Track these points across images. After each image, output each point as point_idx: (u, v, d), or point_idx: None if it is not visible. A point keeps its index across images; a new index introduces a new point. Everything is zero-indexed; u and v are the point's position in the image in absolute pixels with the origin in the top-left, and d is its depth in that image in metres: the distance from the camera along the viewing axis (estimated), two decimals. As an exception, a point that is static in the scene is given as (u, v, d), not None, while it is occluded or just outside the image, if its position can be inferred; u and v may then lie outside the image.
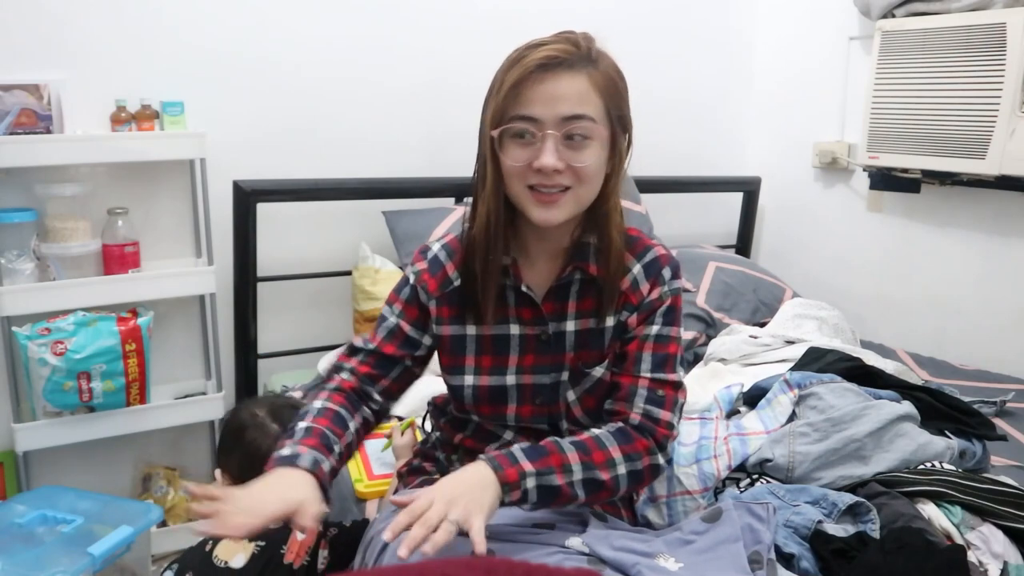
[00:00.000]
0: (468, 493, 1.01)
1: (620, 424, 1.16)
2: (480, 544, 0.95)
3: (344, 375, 1.22)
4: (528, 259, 1.21)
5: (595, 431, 1.15)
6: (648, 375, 1.17)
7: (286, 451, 1.06)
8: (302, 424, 1.12)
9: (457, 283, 1.20)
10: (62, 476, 2.10)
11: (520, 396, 1.21)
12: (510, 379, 1.20)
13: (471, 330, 1.20)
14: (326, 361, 2.19)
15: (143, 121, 2.02)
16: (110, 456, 2.18)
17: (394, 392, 1.25)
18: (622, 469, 1.11)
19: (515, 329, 1.20)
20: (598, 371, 1.20)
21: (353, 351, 1.25)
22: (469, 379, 1.21)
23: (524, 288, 1.18)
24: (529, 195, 1.11)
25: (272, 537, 1.34)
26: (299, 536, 1.33)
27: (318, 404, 1.16)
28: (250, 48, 2.20)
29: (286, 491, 1.00)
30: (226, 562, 1.31)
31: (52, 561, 1.60)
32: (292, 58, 2.26)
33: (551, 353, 1.20)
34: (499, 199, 1.13)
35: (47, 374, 1.88)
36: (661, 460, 1.16)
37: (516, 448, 1.09)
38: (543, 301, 1.20)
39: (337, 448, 1.11)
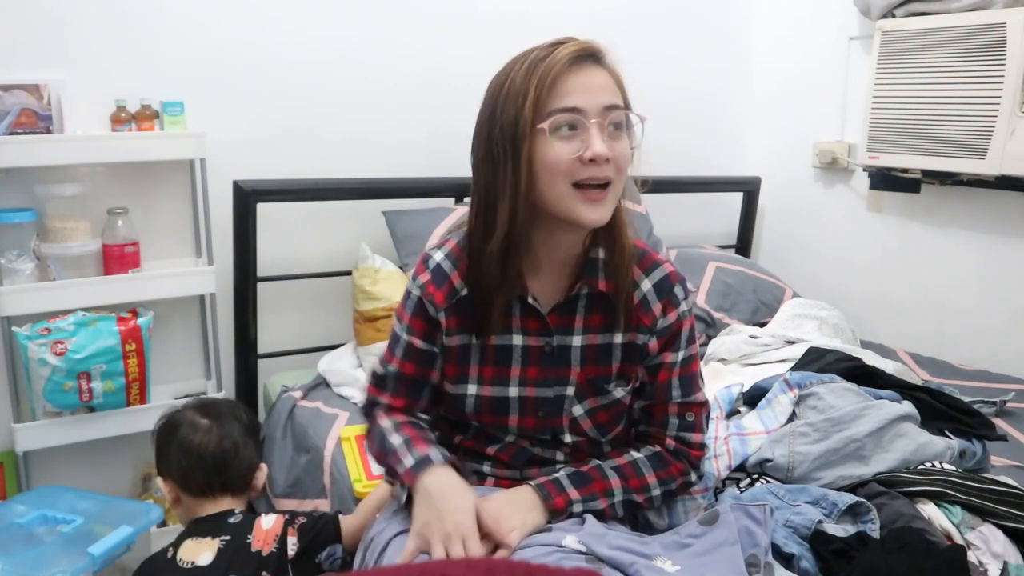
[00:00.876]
0: (515, 513, 1.09)
1: (657, 449, 1.24)
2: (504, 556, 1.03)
3: (383, 409, 1.25)
4: (536, 271, 1.19)
5: (634, 455, 1.22)
6: (678, 401, 1.23)
7: (409, 460, 1.12)
8: (396, 439, 1.16)
9: (463, 292, 1.18)
10: (62, 476, 2.10)
11: (522, 408, 1.20)
12: (512, 391, 1.19)
13: (475, 339, 1.20)
14: (326, 362, 2.19)
15: (143, 121, 2.02)
16: (110, 456, 2.18)
17: (431, 409, 1.28)
18: (656, 492, 1.21)
19: (518, 340, 1.19)
20: (619, 392, 1.21)
21: (379, 382, 1.26)
22: (472, 388, 1.20)
23: (531, 300, 1.17)
24: (576, 194, 1.07)
25: (236, 529, 1.33)
26: (264, 525, 1.33)
27: (388, 423, 1.21)
28: (250, 48, 2.20)
29: (462, 500, 1.07)
30: (192, 562, 1.30)
31: (52, 561, 1.60)
32: (292, 58, 2.26)
33: (555, 366, 1.19)
34: (529, 203, 1.09)
35: (47, 374, 1.88)
36: (694, 477, 1.26)
37: (562, 475, 1.17)
38: (549, 314, 1.19)
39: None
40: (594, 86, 1.08)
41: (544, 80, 1.06)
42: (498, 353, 1.19)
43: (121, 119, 1.99)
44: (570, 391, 1.20)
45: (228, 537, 1.32)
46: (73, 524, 1.73)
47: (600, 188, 1.08)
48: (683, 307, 1.21)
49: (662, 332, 1.20)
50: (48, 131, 1.91)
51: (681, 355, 1.22)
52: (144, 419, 2.07)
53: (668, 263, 1.23)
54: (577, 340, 1.19)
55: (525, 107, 1.06)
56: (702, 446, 1.25)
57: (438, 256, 1.21)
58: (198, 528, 1.38)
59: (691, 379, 1.23)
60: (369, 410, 1.28)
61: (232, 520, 1.37)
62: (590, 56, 1.09)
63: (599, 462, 1.20)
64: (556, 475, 1.17)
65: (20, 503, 1.80)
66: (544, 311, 1.18)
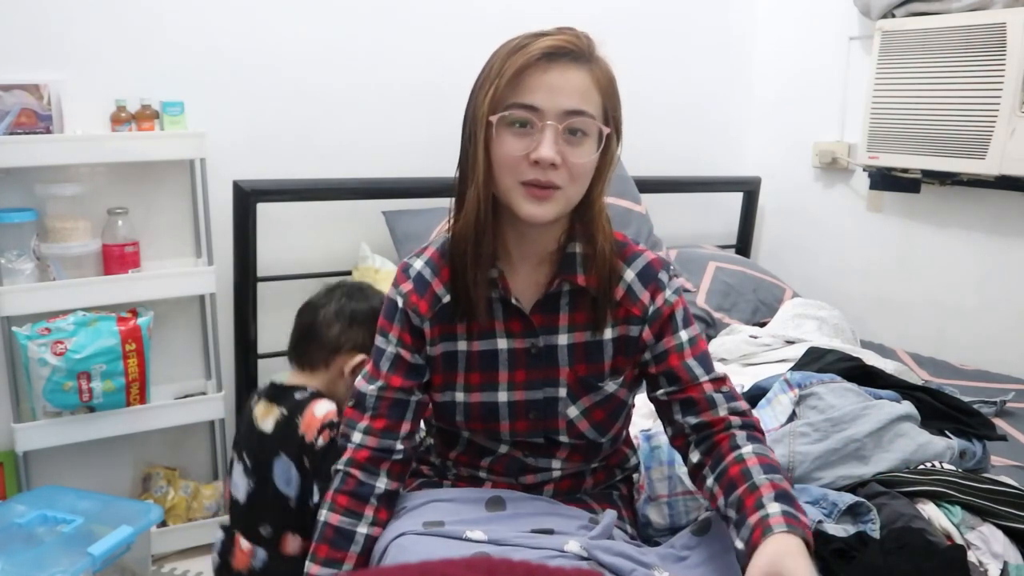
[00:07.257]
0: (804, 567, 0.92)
1: (738, 432, 1.11)
2: None
3: (357, 438, 1.16)
4: (512, 267, 1.16)
5: (750, 448, 1.08)
6: (707, 379, 1.14)
7: None
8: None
9: (446, 299, 1.15)
10: (62, 476, 2.10)
11: (513, 413, 1.17)
12: (502, 396, 1.17)
13: (462, 346, 1.17)
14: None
15: (143, 121, 2.02)
16: (110, 456, 2.18)
17: (415, 431, 1.20)
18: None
19: (503, 343, 1.16)
20: (611, 386, 1.17)
21: (359, 401, 1.18)
22: (460, 396, 1.17)
23: (514, 301, 1.14)
24: (521, 189, 1.05)
25: (295, 406, 1.35)
26: (316, 412, 1.33)
27: (321, 517, 1.14)
28: (250, 48, 2.20)
29: None
30: (260, 425, 1.36)
31: (52, 561, 1.60)
32: (292, 58, 2.26)
33: (542, 367, 1.16)
34: (489, 191, 1.08)
35: (47, 374, 1.88)
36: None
37: (769, 502, 0.99)
38: (532, 313, 1.15)
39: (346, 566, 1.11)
40: (561, 86, 1.03)
41: (508, 72, 1.03)
42: (483, 359, 1.16)
43: (121, 119, 1.99)
44: (562, 392, 1.16)
45: (286, 412, 1.35)
46: (73, 524, 1.73)
47: (550, 187, 1.05)
48: (668, 291, 1.16)
49: (652, 319, 1.15)
50: (48, 131, 1.91)
51: (685, 336, 1.16)
52: (144, 419, 2.07)
53: (649, 251, 1.19)
54: (563, 339, 1.16)
55: (488, 95, 1.04)
56: (750, 410, 1.16)
57: (418, 264, 1.18)
58: (270, 392, 1.42)
59: (705, 357, 1.17)
60: (341, 447, 1.18)
61: (298, 396, 1.39)
62: (568, 54, 1.04)
63: (748, 471, 1.04)
64: (776, 507, 0.98)
65: (20, 503, 1.80)
66: (526, 310, 1.15)
